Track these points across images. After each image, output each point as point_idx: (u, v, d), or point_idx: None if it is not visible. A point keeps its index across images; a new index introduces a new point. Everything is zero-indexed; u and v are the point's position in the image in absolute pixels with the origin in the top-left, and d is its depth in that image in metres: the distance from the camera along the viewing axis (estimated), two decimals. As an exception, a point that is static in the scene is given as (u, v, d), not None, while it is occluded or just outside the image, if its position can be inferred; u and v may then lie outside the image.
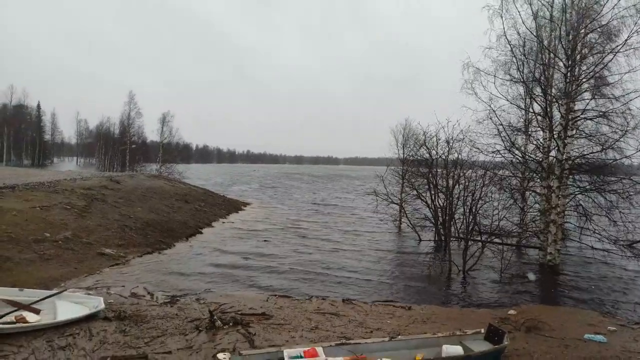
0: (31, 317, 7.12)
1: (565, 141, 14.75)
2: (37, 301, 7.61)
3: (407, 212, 21.41)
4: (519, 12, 15.33)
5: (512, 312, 9.44)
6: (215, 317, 7.67)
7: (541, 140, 16.46)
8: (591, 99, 14.96)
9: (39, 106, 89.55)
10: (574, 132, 15.33)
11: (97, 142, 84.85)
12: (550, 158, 15.59)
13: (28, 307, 7.40)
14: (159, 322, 7.65)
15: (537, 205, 16.76)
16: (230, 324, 7.65)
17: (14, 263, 10.31)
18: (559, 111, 15.12)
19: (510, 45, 15.70)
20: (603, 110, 14.64)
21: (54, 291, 8.42)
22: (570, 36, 14.68)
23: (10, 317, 6.95)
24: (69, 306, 7.75)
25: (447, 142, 17.86)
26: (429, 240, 18.88)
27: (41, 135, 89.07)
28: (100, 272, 11.27)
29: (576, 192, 15.21)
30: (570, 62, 14.64)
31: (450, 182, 17.04)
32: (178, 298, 9.46)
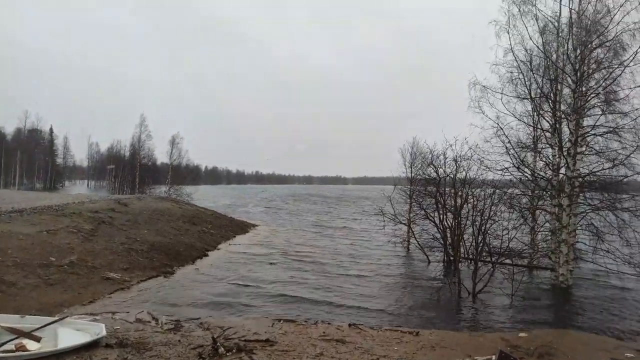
0: (31, 345, 7.00)
1: (575, 158, 14.55)
2: (38, 328, 7.49)
3: (415, 232, 21.19)
4: (525, 27, 15.35)
5: (523, 334, 9.15)
6: (218, 344, 7.50)
7: (550, 157, 16.27)
8: (601, 115, 14.80)
9: (51, 130, 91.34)
10: (584, 148, 15.11)
11: (108, 165, 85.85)
12: (560, 175, 15.37)
13: (29, 335, 7.27)
14: (162, 349, 7.48)
15: (547, 225, 16.43)
16: (234, 350, 7.48)
17: (18, 288, 10.24)
18: (568, 127, 14.96)
19: (517, 61, 15.69)
20: (613, 126, 14.44)
21: (56, 318, 8.30)
22: (578, 51, 14.62)
23: (10, 346, 6.84)
24: (70, 333, 7.63)
25: (455, 160, 17.72)
26: (438, 262, 18.57)
27: (53, 158, 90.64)
28: (104, 297, 11.16)
29: (587, 211, 14.90)
30: (578, 78, 14.55)
31: (459, 201, 16.83)
32: (182, 324, 9.30)
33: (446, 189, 18.55)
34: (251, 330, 8.79)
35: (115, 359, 6.92)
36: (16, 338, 7.11)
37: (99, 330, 7.76)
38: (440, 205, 18.32)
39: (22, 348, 6.84)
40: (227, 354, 7.29)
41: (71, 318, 8.54)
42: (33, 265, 11.67)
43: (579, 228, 15.08)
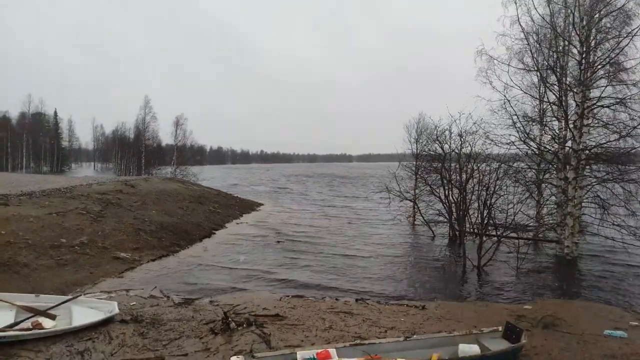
0: (47, 323, 7.22)
1: (582, 130, 14.43)
2: (53, 307, 7.70)
3: (420, 208, 21.25)
4: None
5: (527, 307, 9.27)
6: (229, 319, 7.68)
7: (557, 130, 16.14)
8: (607, 86, 14.61)
9: (55, 113, 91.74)
10: (590, 120, 14.97)
11: (113, 147, 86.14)
12: (566, 148, 15.28)
13: (44, 313, 7.49)
14: (176, 324, 7.70)
15: (553, 198, 16.42)
16: (244, 325, 7.66)
17: (31, 269, 10.47)
18: (574, 100, 14.80)
19: (524, 32, 15.44)
20: (620, 97, 14.27)
21: (70, 296, 8.51)
22: (584, 22, 14.35)
23: (27, 324, 7.05)
24: (84, 311, 7.84)
25: (460, 135, 17.61)
26: (443, 237, 18.67)
27: (59, 141, 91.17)
28: (115, 276, 11.39)
29: (593, 183, 14.86)
30: (584, 49, 14.32)
31: (464, 176, 16.80)
32: (193, 300, 9.50)
33: (451, 164, 18.50)
34: (260, 306, 8.97)
35: (132, 333, 7.14)
36: (32, 316, 7.33)
37: (112, 308, 7.96)
38: (445, 181, 18.31)
39: (38, 326, 7.05)
40: (238, 329, 7.47)
41: (84, 296, 8.75)
42: (45, 247, 11.89)
43: (584, 201, 15.06)
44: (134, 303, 8.90)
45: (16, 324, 6.97)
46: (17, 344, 6.45)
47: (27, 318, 7.22)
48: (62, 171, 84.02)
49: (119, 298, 9.15)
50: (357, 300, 9.92)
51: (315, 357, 5.70)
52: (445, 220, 18.84)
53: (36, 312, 7.47)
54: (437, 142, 19.53)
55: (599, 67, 14.49)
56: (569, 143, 15.05)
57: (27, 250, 11.36)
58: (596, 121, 15.11)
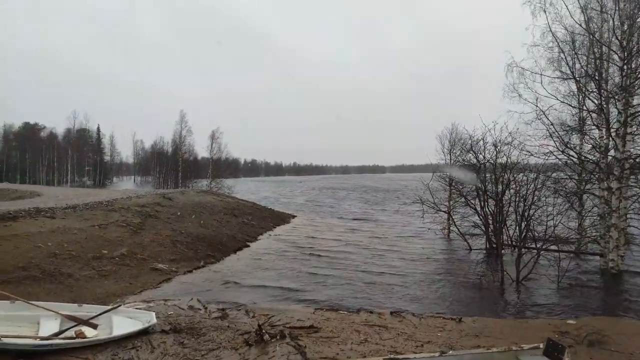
0: (89, 332, 7.46)
1: (625, 139, 13.89)
2: (95, 316, 7.96)
3: (455, 220, 20.85)
4: (564, 4, 14.73)
5: (571, 322, 8.90)
6: (263, 331, 7.73)
7: (597, 139, 15.59)
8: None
9: (98, 129, 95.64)
10: (634, 128, 14.40)
11: (152, 161, 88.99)
12: (609, 157, 14.71)
13: (87, 322, 7.74)
14: (214, 334, 7.81)
15: (596, 209, 15.78)
16: (278, 337, 7.68)
17: (75, 280, 10.90)
18: (616, 107, 14.28)
19: (557, 40, 15.09)
20: (665, 103, 13.70)
21: (110, 306, 8.78)
22: (626, 26, 13.89)
23: (71, 332, 7.31)
24: (123, 321, 8.06)
25: (495, 145, 17.23)
26: (480, 249, 18.23)
27: (101, 156, 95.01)
28: (153, 286, 11.69)
29: (639, 193, 14.23)
30: (626, 55, 13.84)
31: (500, 187, 16.40)
32: (229, 311, 9.61)
33: (487, 175, 18.11)
34: (294, 317, 8.99)
35: (173, 343, 7.29)
36: (75, 325, 7.59)
37: (150, 318, 8.16)
38: (481, 192, 17.92)
39: (81, 335, 7.29)
40: (272, 340, 7.51)
41: (124, 307, 9.01)
42: (87, 258, 12.37)
43: (630, 212, 14.43)
44: (171, 313, 9.09)
45: (61, 332, 7.23)
46: (62, 352, 6.69)
47: (71, 327, 7.47)
48: (104, 185, 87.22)
49: (157, 308, 9.36)
50: (392, 313, 9.79)
51: (350, 371, 5.66)
52: (482, 232, 18.40)
53: (79, 321, 7.73)
54: (471, 151, 19.20)
55: (643, 72, 13.97)
56: (612, 152, 14.50)
57: (71, 261, 11.85)
58: (640, 129, 14.53)
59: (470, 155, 19.27)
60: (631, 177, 14.40)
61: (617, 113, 14.25)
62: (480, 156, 18.41)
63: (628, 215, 14.46)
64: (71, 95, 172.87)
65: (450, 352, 6.55)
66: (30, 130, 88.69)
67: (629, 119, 13.94)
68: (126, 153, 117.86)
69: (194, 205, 24.06)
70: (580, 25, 14.84)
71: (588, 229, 15.83)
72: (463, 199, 19.62)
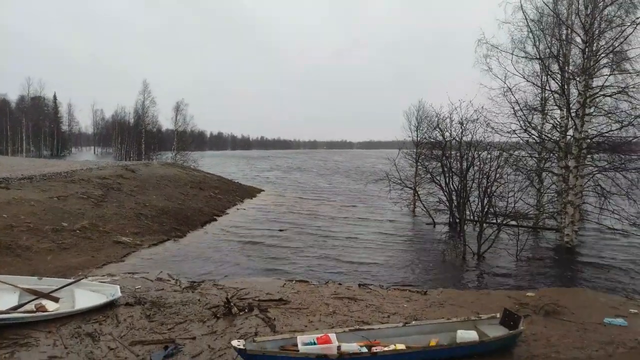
0: (50, 306, 7.26)
1: (583, 119, 14.40)
2: (56, 290, 7.74)
3: (421, 196, 21.28)
4: None
5: (530, 294, 9.34)
6: (232, 304, 7.73)
7: (558, 119, 16.12)
8: (610, 75, 14.55)
9: (55, 97, 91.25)
10: (592, 109, 14.95)
11: (113, 132, 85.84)
12: (568, 137, 15.26)
13: (47, 296, 7.53)
14: (181, 308, 7.74)
15: (554, 187, 16.46)
16: (246, 309, 7.71)
17: (33, 252, 10.52)
18: (577, 88, 14.74)
19: (527, 19, 15.30)
20: (622, 86, 14.22)
21: (72, 279, 8.55)
22: (589, 10, 14.22)
23: (31, 306, 7.09)
24: (86, 294, 7.88)
25: (461, 123, 17.55)
26: (444, 224, 18.73)
27: (58, 126, 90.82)
28: (117, 260, 11.43)
29: (594, 172, 14.88)
30: (588, 37, 14.21)
31: (465, 164, 16.79)
32: (198, 284, 9.52)
33: (452, 152, 18.49)
34: (264, 291, 9.02)
35: (139, 317, 7.18)
36: (36, 299, 7.37)
37: (115, 291, 7.99)
38: (446, 169, 18.31)
39: (42, 308, 7.09)
40: (240, 313, 7.53)
41: (87, 280, 8.79)
42: (46, 231, 11.94)
43: (585, 189, 15.09)
44: (139, 287, 8.94)
45: (20, 306, 7.01)
46: (27, 325, 6.48)
47: (31, 300, 7.26)
48: (62, 155, 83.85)
49: (124, 282, 9.18)
50: (360, 285, 10.00)
51: (316, 341, 5.75)
52: (446, 208, 18.89)
53: (40, 294, 7.50)
54: (438, 129, 19.51)
55: (602, 55, 14.41)
56: (571, 132, 15.03)
57: (28, 233, 11.41)
58: (598, 110, 15.09)
59: (437, 132, 19.60)
60: (588, 156, 15.01)
61: (577, 94, 14.71)
62: (446, 134, 18.76)
63: (583, 193, 15.13)
64: (23, 64, 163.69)
65: (413, 322, 6.78)
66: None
67: (587, 100, 14.42)
68: (85, 123, 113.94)
69: (158, 178, 23.50)
70: (547, 5, 15.09)
71: (546, 205, 16.52)
72: (429, 175, 20.01)
